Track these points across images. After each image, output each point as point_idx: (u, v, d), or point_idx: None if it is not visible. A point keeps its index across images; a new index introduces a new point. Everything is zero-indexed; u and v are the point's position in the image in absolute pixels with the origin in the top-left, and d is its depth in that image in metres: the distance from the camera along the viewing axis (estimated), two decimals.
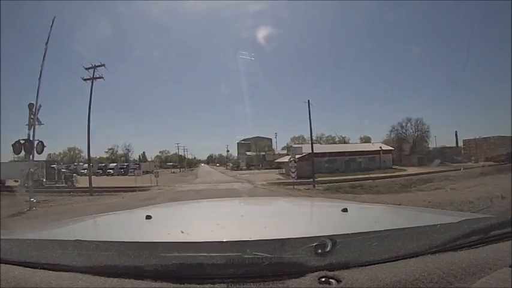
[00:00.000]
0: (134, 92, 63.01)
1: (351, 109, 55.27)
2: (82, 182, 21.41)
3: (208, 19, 56.79)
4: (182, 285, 0.75)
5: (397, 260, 0.83)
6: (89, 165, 20.53)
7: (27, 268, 0.83)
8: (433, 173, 23.36)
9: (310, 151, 23.94)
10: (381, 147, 34.01)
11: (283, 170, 31.40)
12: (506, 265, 0.80)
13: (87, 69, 19.84)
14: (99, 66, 19.84)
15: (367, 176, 23.86)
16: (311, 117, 21.50)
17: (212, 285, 0.75)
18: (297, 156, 20.31)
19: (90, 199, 14.05)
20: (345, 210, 1.36)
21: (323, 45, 57.00)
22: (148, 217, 1.31)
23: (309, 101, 21.34)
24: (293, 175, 18.59)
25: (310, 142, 37.07)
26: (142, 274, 0.78)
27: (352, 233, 0.90)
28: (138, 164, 35.03)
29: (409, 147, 37.40)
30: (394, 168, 31.61)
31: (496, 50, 40.61)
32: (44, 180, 24.47)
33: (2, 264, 0.85)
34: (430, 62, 48.22)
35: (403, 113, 48.41)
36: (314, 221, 1.50)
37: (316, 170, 22.85)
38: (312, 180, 19.98)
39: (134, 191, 17.79)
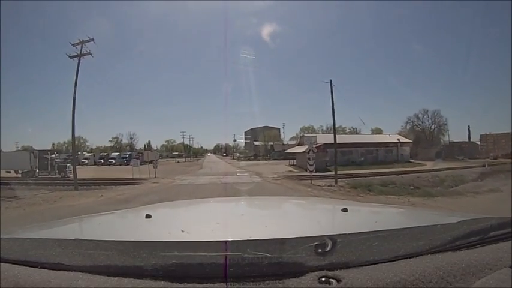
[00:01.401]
0: (141, 83, 61.84)
1: (357, 102, 52.69)
2: (80, 172, 19.05)
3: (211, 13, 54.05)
4: (182, 285, 0.74)
5: (397, 260, 0.83)
6: (73, 154, 18.21)
7: (27, 267, 0.83)
8: (458, 169, 21.14)
9: (324, 141, 21.43)
10: (398, 139, 31.41)
11: (295, 161, 29.23)
12: (506, 265, 0.80)
13: (74, 45, 17.30)
14: (87, 41, 17.30)
15: (391, 170, 21.82)
16: (333, 100, 18.33)
17: (212, 285, 0.74)
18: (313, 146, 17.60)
19: (63, 197, 11.77)
20: (344, 210, 1.37)
21: (327, 40, 54.16)
22: (149, 216, 1.31)
23: (331, 80, 18.29)
24: (311, 168, 16.14)
25: (321, 132, 35.31)
26: (142, 273, 0.77)
27: (352, 233, 0.90)
28: (141, 154, 32.80)
29: (426, 140, 34.94)
30: (413, 162, 29.14)
31: (500, 46, 36.54)
32: (37, 171, 22.73)
33: (1, 263, 0.84)
34: (436, 56, 45.56)
35: (411, 107, 47.54)
36: (314, 221, 1.43)
37: (330, 162, 20.72)
38: (333, 173, 17.41)
39: (126, 184, 15.59)
